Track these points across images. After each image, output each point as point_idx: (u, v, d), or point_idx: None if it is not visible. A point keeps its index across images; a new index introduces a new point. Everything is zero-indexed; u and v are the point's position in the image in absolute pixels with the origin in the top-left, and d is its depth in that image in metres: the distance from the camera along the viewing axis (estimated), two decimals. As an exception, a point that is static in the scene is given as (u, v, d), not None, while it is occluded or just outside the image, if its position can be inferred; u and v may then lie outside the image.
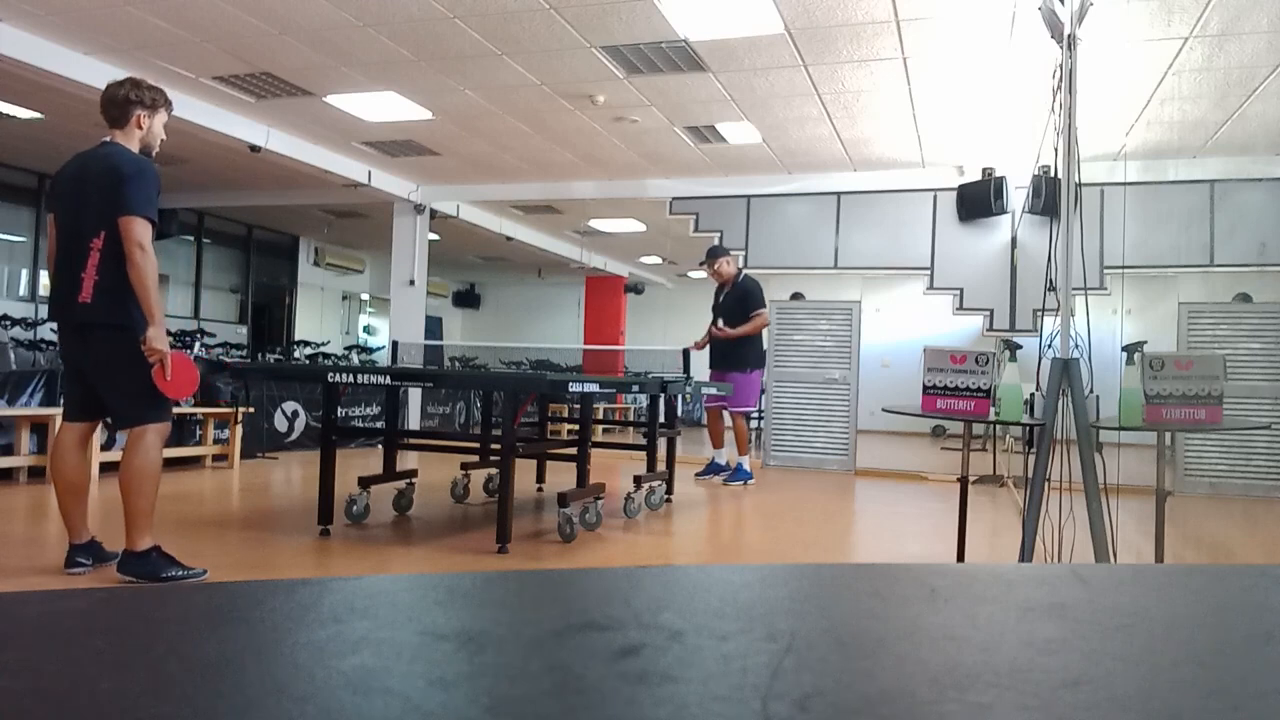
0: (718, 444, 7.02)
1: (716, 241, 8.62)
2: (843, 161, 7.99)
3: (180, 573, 3.23)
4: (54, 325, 3.38)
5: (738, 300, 6.82)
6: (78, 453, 3.31)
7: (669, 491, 5.70)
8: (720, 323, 6.81)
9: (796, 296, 8.57)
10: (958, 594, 0.64)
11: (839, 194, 8.29)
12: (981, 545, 4.58)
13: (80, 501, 3.29)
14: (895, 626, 0.57)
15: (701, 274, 9.51)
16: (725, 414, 6.97)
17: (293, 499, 5.50)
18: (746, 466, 6.87)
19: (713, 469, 7.03)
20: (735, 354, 6.81)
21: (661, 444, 5.62)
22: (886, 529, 5.61)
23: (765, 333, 8.47)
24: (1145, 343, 2.90)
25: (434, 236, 10.54)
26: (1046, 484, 2.87)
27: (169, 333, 3.38)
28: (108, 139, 3.30)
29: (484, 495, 5.57)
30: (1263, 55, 5.25)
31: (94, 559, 3.30)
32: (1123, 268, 7.14)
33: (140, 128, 3.32)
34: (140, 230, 3.09)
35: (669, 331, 15.09)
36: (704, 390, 6.31)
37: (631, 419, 12.58)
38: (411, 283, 9.90)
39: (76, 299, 3.13)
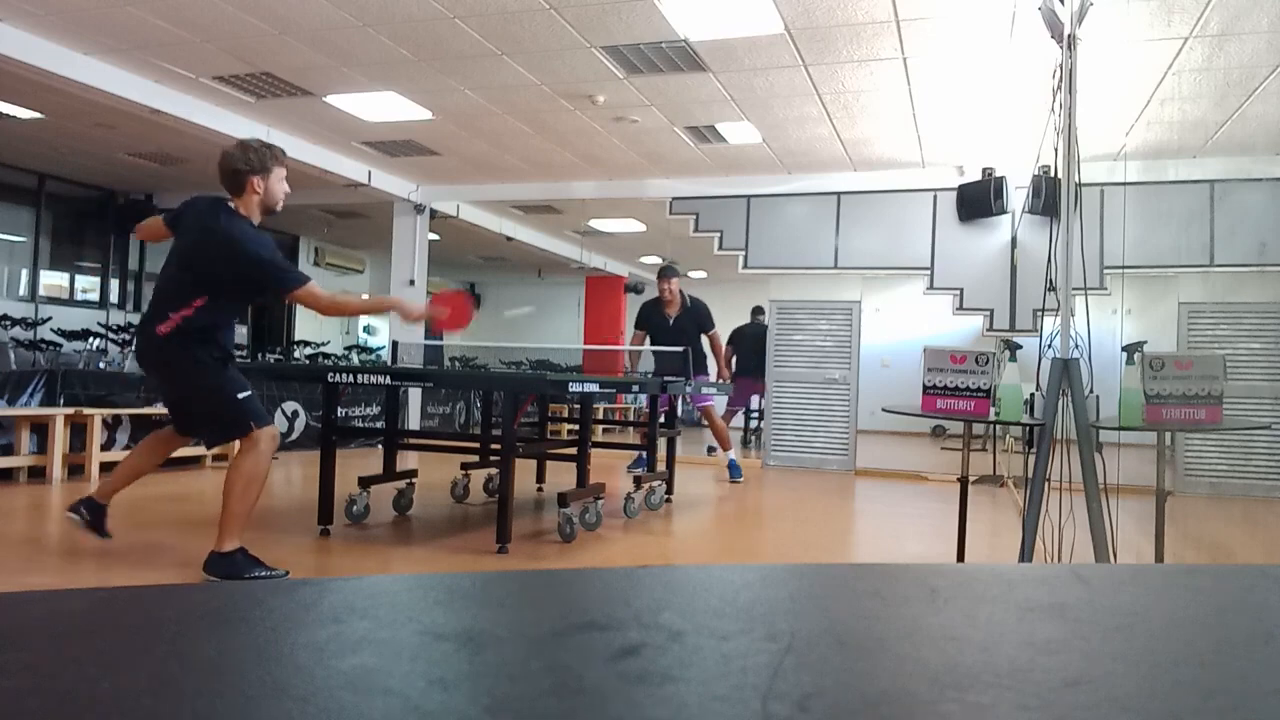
0: (729, 444, 7.18)
1: (716, 242, 8.62)
2: (843, 161, 7.99)
3: (264, 573, 3.27)
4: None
5: (694, 321, 6.92)
6: (162, 447, 3.58)
7: (669, 491, 5.70)
8: (661, 341, 6.83)
9: (757, 311, 8.51)
10: (958, 594, 0.64)
11: (839, 194, 8.29)
12: (981, 545, 4.58)
13: (129, 479, 3.52)
14: (895, 626, 0.57)
15: (701, 274, 9.52)
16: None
17: (293, 499, 5.50)
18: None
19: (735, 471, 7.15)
20: (701, 363, 6.96)
21: (661, 444, 5.62)
22: (886, 529, 5.61)
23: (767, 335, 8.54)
24: (1145, 343, 2.90)
25: (434, 236, 10.54)
26: (1046, 484, 2.86)
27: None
28: (230, 202, 3.39)
29: (484, 495, 5.56)
30: (1263, 55, 5.25)
31: (91, 518, 3.42)
32: (1123, 268, 7.14)
33: (257, 192, 3.40)
34: (303, 293, 3.32)
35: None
36: (703, 391, 6.35)
37: (631, 419, 12.58)
38: (411, 283, 9.90)
39: (156, 330, 3.28)
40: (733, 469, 7.08)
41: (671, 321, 6.87)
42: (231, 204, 3.38)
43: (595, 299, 15.28)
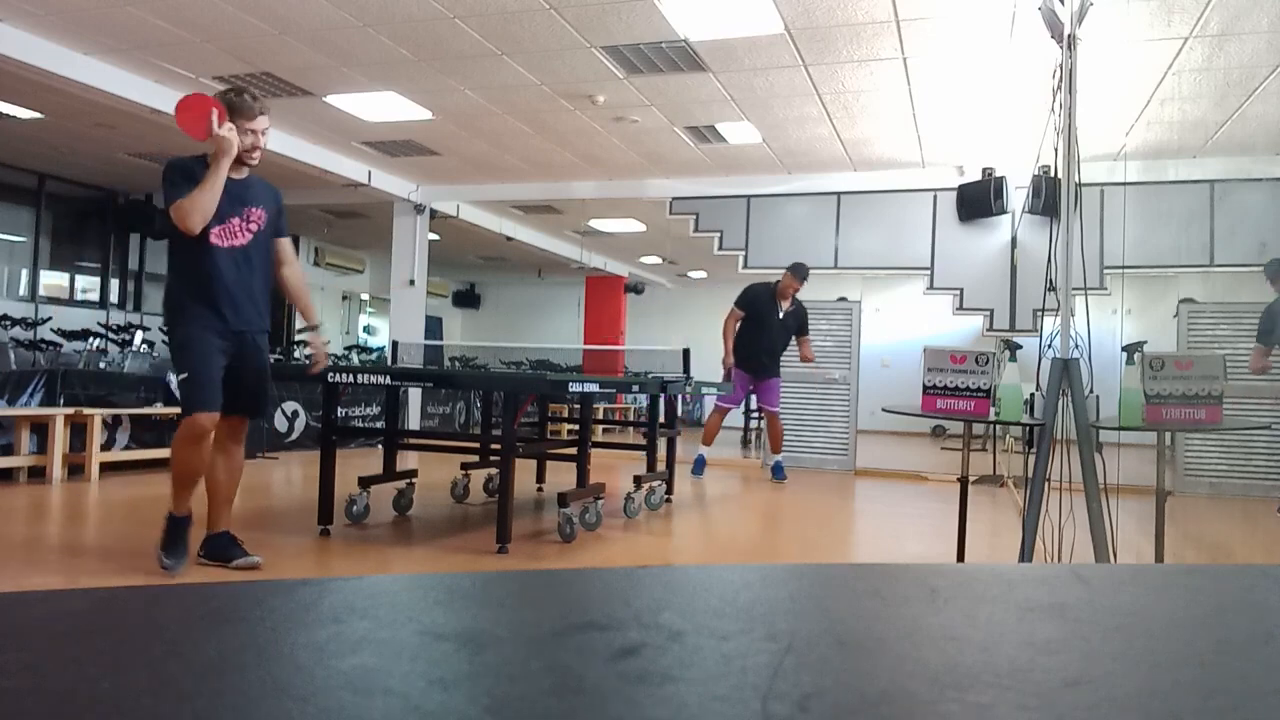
0: (710, 441, 7.34)
1: (716, 242, 8.63)
2: (843, 161, 7.99)
3: (166, 561, 3.28)
4: None
5: (797, 320, 7.13)
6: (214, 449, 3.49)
7: (669, 491, 5.70)
8: (765, 331, 7.04)
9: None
10: (958, 594, 0.64)
11: (839, 194, 8.29)
12: (981, 545, 4.58)
13: (211, 492, 3.50)
14: (895, 626, 0.57)
15: (701, 274, 9.55)
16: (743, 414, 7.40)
17: (293, 499, 5.50)
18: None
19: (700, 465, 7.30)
20: (778, 361, 7.16)
21: (661, 444, 5.62)
22: (886, 529, 5.61)
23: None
24: (1145, 343, 2.90)
25: (434, 236, 10.54)
26: (1046, 484, 2.87)
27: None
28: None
29: (484, 495, 5.56)
30: (1263, 55, 5.25)
31: (218, 552, 3.46)
32: (1123, 268, 7.14)
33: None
34: (174, 209, 3.18)
35: (669, 332, 15.08)
36: (715, 391, 6.49)
37: (631, 419, 12.58)
38: (411, 283, 9.90)
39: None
40: (777, 470, 7.24)
41: (781, 314, 7.03)
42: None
43: (595, 299, 15.29)
